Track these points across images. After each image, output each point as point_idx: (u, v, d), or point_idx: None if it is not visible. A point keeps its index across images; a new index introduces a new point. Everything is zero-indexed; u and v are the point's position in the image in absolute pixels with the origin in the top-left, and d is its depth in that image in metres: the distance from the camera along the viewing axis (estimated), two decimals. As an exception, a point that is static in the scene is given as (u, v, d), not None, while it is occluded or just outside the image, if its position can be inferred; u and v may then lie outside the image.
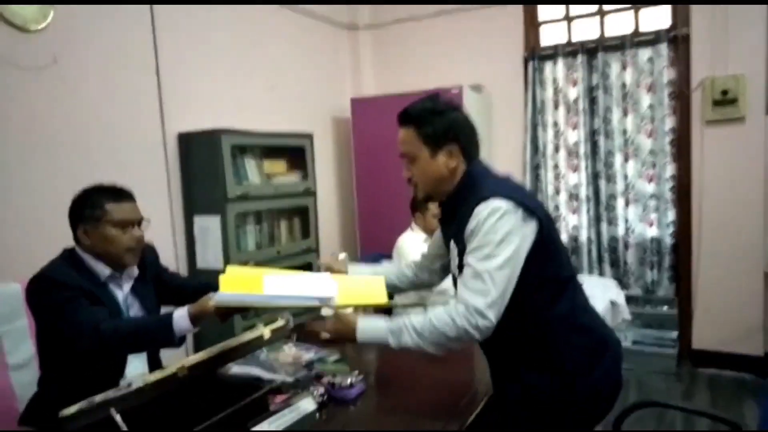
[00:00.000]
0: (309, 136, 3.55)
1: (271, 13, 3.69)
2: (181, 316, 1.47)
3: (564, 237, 4.03)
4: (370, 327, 1.42)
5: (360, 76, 4.51)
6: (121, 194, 1.67)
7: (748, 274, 3.44)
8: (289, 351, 1.97)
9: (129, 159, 2.71)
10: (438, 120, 1.48)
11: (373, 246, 3.99)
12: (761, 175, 3.36)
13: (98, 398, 1.37)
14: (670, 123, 3.62)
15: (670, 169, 3.66)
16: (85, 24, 2.55)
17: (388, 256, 3.46)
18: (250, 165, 3.25)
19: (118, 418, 1.25)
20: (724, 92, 3.31)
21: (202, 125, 3.04)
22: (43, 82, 2.38)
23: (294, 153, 3.52)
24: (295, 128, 3.61)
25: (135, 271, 1.76)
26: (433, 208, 3.19)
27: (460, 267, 1.43)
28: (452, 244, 1.50)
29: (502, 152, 4.12)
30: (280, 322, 1.71)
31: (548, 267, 1.43)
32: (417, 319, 1.37)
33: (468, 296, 1.33)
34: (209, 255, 2.97)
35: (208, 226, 2.98)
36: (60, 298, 1.54)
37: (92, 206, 1.62)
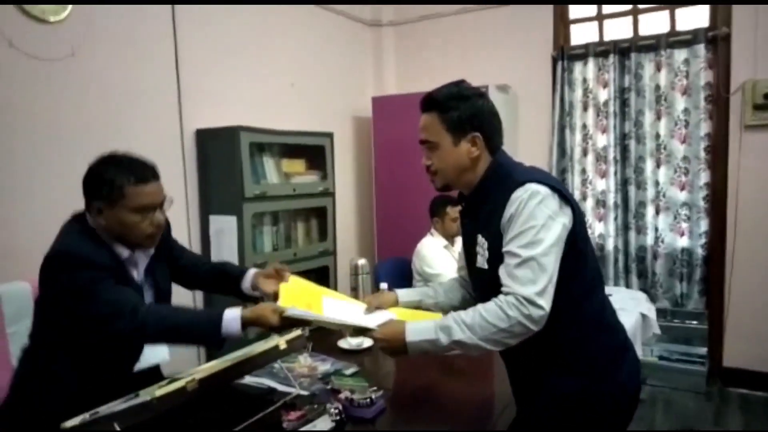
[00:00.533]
0: (329, 135, 3.46)
1: (292, 8, 3.60)
2: (233, 318, 1.36)
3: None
4: (419, 327, 1.33)
5: (382, 74, 4.41)
6: (144, 174, 1.47)
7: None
8: (305, 362, 1.88)
9: (145, 155, 2.62)
10: (463, 106, 1.39)
11: (390, 250, 3.88)
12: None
13: (102, 410, 1.30)
14: (705, 128, 3.46)
15: (704, 177, 3.49)
16: (104, 16, 2.49)
17: (406, 260, 3.36)
18: (269, 164, 3.17)
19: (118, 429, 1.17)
20: (767, 95, 3.14)
21: (221, 122, 2.96)
22: (60, 75, 2.32)
23: (313, 152, 3.43)
24: (314, 127, 3.52)
25: (151, 250, 1.62)
26: (452, 212, 3.09)
27: (491, 261, 1.35)
28: (480, 238, 1.39)
29: (527, 155, 3.91)
30: (296, 332, 1.61)
31: (580, 261, 1.34)
32: (466, 314, 1.28)
33: (517, 286, 1.24)
34: (225, 256, 2.89)
35: (224, 227, 2.90)
36: (90, 276, 1.39)
37: (110, 186, 1.43)
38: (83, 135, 2.41)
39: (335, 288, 3.57)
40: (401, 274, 3.24)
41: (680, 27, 3.56)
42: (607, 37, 3.78)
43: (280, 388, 1.68)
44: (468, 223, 1.49)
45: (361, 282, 2.22)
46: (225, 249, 2.89)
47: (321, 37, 3.88)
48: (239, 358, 1.41)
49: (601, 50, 3.71)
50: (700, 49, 3.41)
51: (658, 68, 3.55)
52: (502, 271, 1.29)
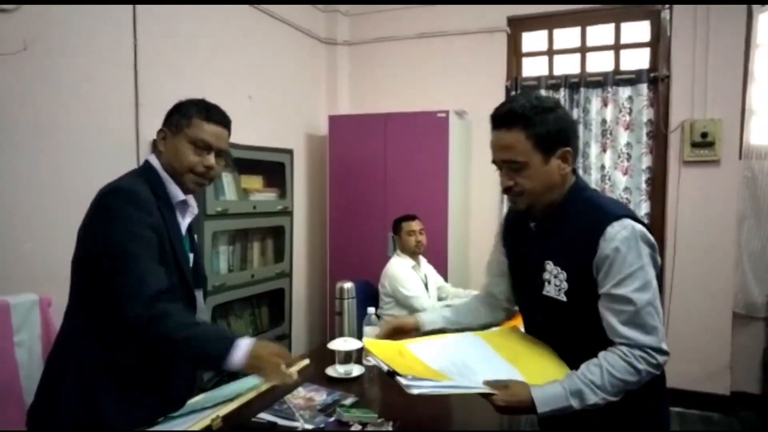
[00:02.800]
0: (289, 152, 3.34)
1: (251, 20, 3.48)
2: (245, 348, 1.23)
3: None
4: (547, 396, 1.19)
5: (336, 93, 4.35)
6: (215, 116, 1.52)
7: (717, 313, 3.52)
8: (298, 393, 1.74)
9: (97, 162, 2.40)
10: (552, 119, 1.27)
11: (343, 272, 3.78)
12: (732, 218, 3.48)
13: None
14: (646, 161, 3.70)
15: (644, 207, 3.72)
16: (61, 9, 2.25)
17: (360, 281, 3.27)
18: (227, 179, 2.99)
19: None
20: (704, 134, 3.42)
21: (179, 132, 2.76)
22: (9, 70, 2.05)
23: (271, 169, 3.29)
24: (270, 143, 3.38)
25: (195, 207, 1.59)
26: (406, 226, 3.10)
27: (571, 293, 1.28)
28: (550, 265, 1.31)
29: (480, 179, 4.07)
30: (304, 362, 1.49)
31: None
32: (593, 374, 1.19)
33: (642, 337, 1.19)
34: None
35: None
36: (132, 217, 1.30)
37: (182, 113, 1.49)
38: (32, 135, 2.14)
39: (290, 312, 3.42)
40: (365, 295, 3.15)
41: (624, 67, 3.81)
42: (557, 71, 3.97)
43: (281, 422, 1.53)
44: (535, 246, 1.38)
45: (347, 306, 2.11)
46: (182, 269, 2.66)
47: (277, 52, 3.76)
48: (255, 392, 1.27)
49: (552, 83, 3.89)
50: (643, 88, 3.66)
51: (605, 103, 3.77)
52: (611, 318, 1.21)
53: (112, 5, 2.48)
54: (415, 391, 1.16)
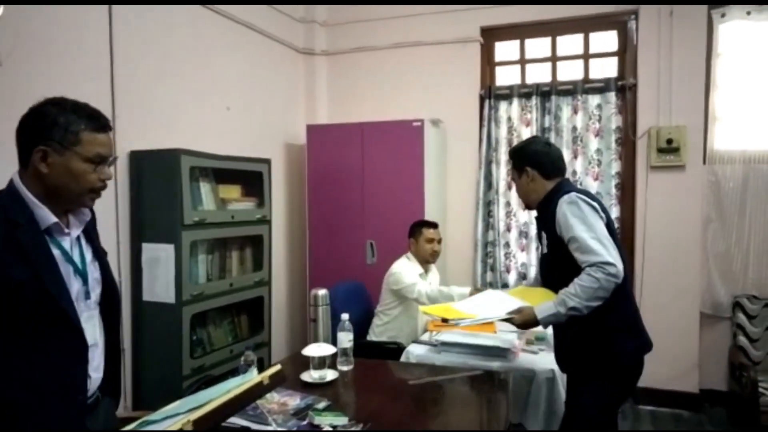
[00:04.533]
0: (267, 162, 3.39)
1: (229, 30, 3.53)
2: None
3: (513, 274, 4.09)
4: (542, 309, 1.87)
5: (314, 103, 4.41)
6: (101, 123, 1.35)
7: (685, 314, 3.63)
8: (272, 398, 1.79)
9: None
10: (518, 156, 2.15)
11: (323, 279, 3.83)
12: (698, 221, 3.60)
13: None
14: (616, 167, 3.81)
15: (615, 211, 3.82)
16: (37, 24, 2.29)
17: (340, 287, 3.32)
18: (205, 189, 3.03)
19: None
20: (669, 141, 3.53)
21: (155, 144, 2.80)
22: (-15, 85, 2.08)
23: (249, 178, 3.33)
24: (248, 152, 3.42)
25: (88, 214, 1.44)
26: (427, 233, 3.12)
27: (550, 247, 2.00)
28: (544, 236, 2.05)
29: (456, 187, 4.16)
30: (275, 368, 1.54)
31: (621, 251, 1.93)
32: (569, 288, 1.82)
33: (591, 257, 1.79)
34: (158, 287, 2.70)
35: (159, 256, 2.71)
36: None
37: (65, 128, 1.28)
38: (9, 150, 2.17)
39: (270, 320, 3.46)
40: (356, 299, 3.22)
41: (593, 75, 3.93)
42: (529, 80, 4.08)
43: (254, 426, 1.59)
44: (538, 226, 2.14)
45: (321, 313, 2.17)
46: (160, 279, 2.70)
47: (256, 62, 3.82)
48: (225, 396, 1.31)
49: (524, 92, 3.99)
50: (611, 96, 3.78)
51: (575, 111, 3.88)
52: (575, 254, 1.84)
53: (88, 16, 2.52)
54: (461, 324, 1.99)
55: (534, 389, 2.29)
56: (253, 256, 3.40)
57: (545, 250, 2.04)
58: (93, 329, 1.41)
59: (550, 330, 2.28)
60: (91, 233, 1.47)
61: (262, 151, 3.66)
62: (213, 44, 3.39)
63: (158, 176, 2.70)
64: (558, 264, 1.94)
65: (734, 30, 3.56)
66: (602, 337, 1.90)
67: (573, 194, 1.90)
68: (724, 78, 3.58)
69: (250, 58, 3.76)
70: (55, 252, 1.33)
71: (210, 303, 2.94)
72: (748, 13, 3.51)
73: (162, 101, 2.98)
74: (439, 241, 3.21)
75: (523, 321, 1.90)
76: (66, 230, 1.37)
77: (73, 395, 1.34)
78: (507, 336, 2.54)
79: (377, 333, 3.13)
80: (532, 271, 4.01)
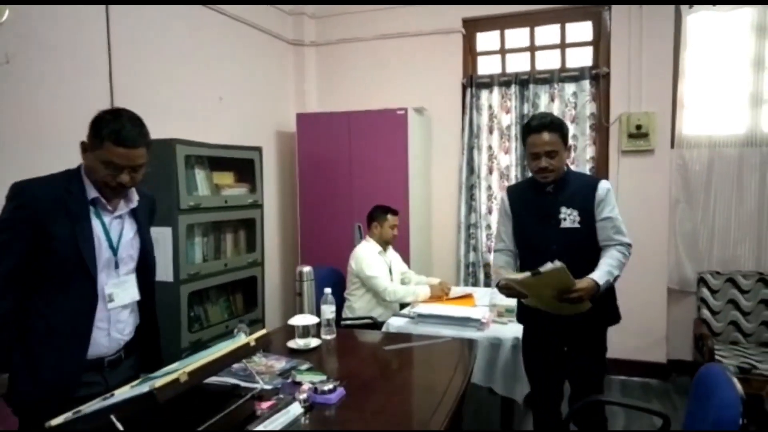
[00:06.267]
0: (258, 149, 3.58)
1: (220, 24, 3.71)
2: None
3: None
4: (599, 276, 2.07)
5: (304, 92, 4.60)
6: (126, 139, 1.60)
7: (654, 289, 3.86)
8: (260, 361, 2.02)
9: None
10: (566, 128, 2.26)
11: (313, 260, 4.05)
12: (666, 201, 3.81)
13: (88, 408, 1.37)
14: (590, 152, 4.02)
15: (590, 194, 4.03)
16: (41, 24, 2.48)
17: (331, 268, 3.55)
18: (200, 176, 3.23)
19: (118, 424, 1.26)
20: (638, 126, 3.74)
21: (152, 134, 2.98)
22: (-6, 83, 2.28)
23: (242, 165, 3.53)
24: (240, 140, 3.62)
25: (134, 200, 1.78)
26: (392, 219, 3.36)
27: (582, 222, 2.19)
28: (564, 209, 2.20)
29: (440, 172, 4.36)
30: (261, 332, 1.76)
31: None
32: (612, 262, 2.12)
33: (623, 238, 2.18)
34: (159, 267, 2.89)
35: (158, 238, 2.89)
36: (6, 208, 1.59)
37: (95, 133, 1.60)
38: (15, 145, 2.37)
39: (263, 298, 3.68)
40: (333, 281, 3.43)
41: (570, 65, 4.11)
42: (509, 69, 4.26)
43: (243, 384, 1.80)
44: (550, 201, 2.23)
45: (306, 288, 2.39)
46: (159, 260, 2.89)
47: (246, 54, 4.00)
48: (217, 353, 1.53)
49: (504, 80, 4.18)
50: (586, 84, 3.97)
51: (552, 99, 4.07)
52: (609, 231, 2.17)
53: (86, 15, 2.71)
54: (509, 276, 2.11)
55: (500, 355, 2.51)
56: (246, 239, 3.61)
57: (572, 225, 2.19)
58: (123, 293, 1.75)
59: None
60: (139, 217, 1.81)
61: (254, 139, 3.86)
62: (206, 38, 3.57)
63: (155, 164, 2.84)
64: (586, 237, 2.19)
65: (701, 21, 3.74)
66: (612, 298, 2.33)
67: (606, 181, 2.26)
68: (691, 67, 3.78)
69: (242, 50, 3.94)
70: (95, 222, 1.68)
71: (206, 282, 3.16)
72: (713, 4, 3.69)
73: (159, 94, 3.17)
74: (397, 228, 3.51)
75: (587, 291, 2.02)
76: (109, 207, 1.70)
77: (70, 347, 1.64)
78: (480, 309, 2.77)
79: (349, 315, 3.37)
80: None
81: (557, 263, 1.93)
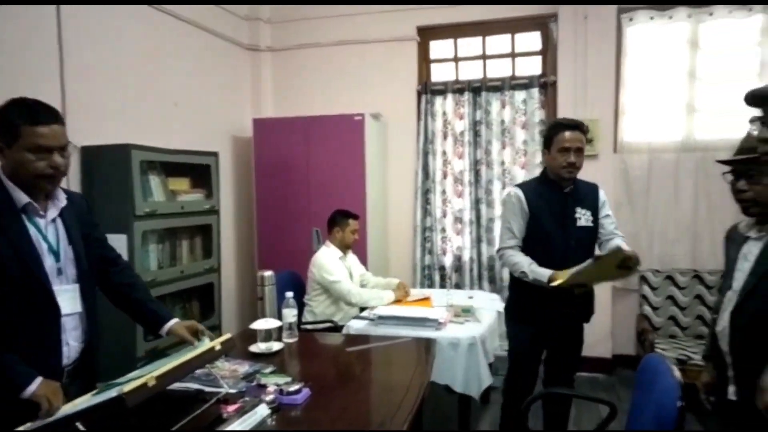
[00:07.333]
0: (214, 155, 3.56)
1: (176, 28, 3.67)
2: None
3: (449, 256, 4.43)
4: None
5: (260, 97, 4.59)
6: (41, 116, 1.50)
7: (600, 288, 4.00)
8: (224, 366, 2.02)
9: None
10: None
11: (272, 264, 4.05)
12: (611, 205, 4.00)
13: (60, 413, 1.36)
14: (539, 157, 4.18)
15: (539, 197, 4.20)
16: (-13, 27, 2.40)
17: (290, 272, 3.56)
18: (156, 182, 3.19)
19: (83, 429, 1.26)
20: (584, 133, 3.92)
21: (106, 139, 2.95)
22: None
23: (197, 171, 3.51)
24: (196, 146, 3.60)
25: (62, 199, 1.64)
26: (353, 224, 3.40)
27: (594, 221, 2.49)
28: (579, 209, 2.47)
29: (396, 176, 4.44)
30: (226, 336, 1.77)
31: None
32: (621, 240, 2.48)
33: (618, 230, 2.54)
34: (113, 273, 2.86)
35: (112, 245, 2.86)
36: None
37: (8, 126, 1.47)
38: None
39: (220, 304, 3.65)
40: (293, 285, 3.44)
41: (520, 73, 4.28)
42: (462, 77, 4.39)
43: (208, 389, 1.81)
44: (568, 201, 2.47)
45: (267, 292, 2.40)
46: (113, 267, 2.86)
47: (203, 59, 3.97)
48: (183, 358, 1.54)
49: (457, 87, 4.31)
50: (535, 92, 4.15)
51: (503, 106, 4.23)
52: (610, 226, 2.51)
53: (37, 18, 2.64)
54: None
55: (458, 354, 2.60)
56: (203, 245, 3.58)
57: (586, 223, 2.46)
58: (70, 302, 1.62)
59: (476, 303, 2.97)
60: (66, 218, 1.66)
61: (210, 144, 3.83)
62: (160, 42, 3.53)
63: (109, 170, 2.86)
64: (594, 235, 2.51)
65: (640, 33, 3.98)
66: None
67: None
68: (632, 77, 4.01)
69: (197, 54, 3.91)
70: (31, 230, 1.56)
71: (162, 289, 3.12)
72: (651, 18, 3.93)
73: (112, 98, 3.12)
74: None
75: (636, 256, 2.24)
76: (41, 212, 1.59)
77: (47, 358, 1.55)
78: (438, 310, 2.86)
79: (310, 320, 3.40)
80: (466, 254, 4.35)
81: (612, 247, 2.33)
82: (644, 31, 3.97)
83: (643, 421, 1.58)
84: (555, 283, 2.26)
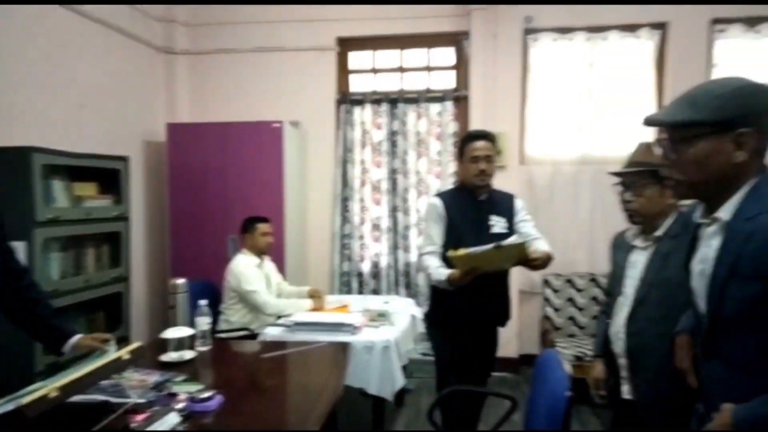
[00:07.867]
0: (124, 159, 3.44)
1: (82, 27, 3.52)
2: None
3: (367, 263, 4.52)
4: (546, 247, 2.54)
5: (175, 102, 4.47)
6: None
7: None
8: (132, 376, 1.97)
9: None
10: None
11: (186, 272, 3.94)
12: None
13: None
14: (453, 167, 4.37)
15: (453, 205, 4.39)
16: None
17: (205, 281, 3.50)
18: (59, 187, 3.04)
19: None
20: (493, 146, 4.15)
21: (4, 142, 2.77)
22: None
23: (105, 176, 3.37)
24: (104, 150, 3.46)
25: None
26: (262, 227, 3.39)
27: (509, 227, 2.59)
28: (493, 217, 2.57)
29: (315, 184, 4.48)
30: (135, 344, 1.74)
31: None
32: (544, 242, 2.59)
33: (538, 232, 2.64)
34: (9, 284, 2.69)
35: (18, 259, 2.70)
36: None
37: None
38: None
39: (128, 315, 3.52)
40: (207, 294, 3.38)
41: (435, 86, 4.46)
42: (380, 88, 4.51)
43: (114, 399, 1.76)
44: (482, 209, 2.58)
45: (179, 300, 2.36)
46: (10, 276, 2.69)
47: (112, 60, 3.82)
48: (89, 368, 1.50)
49: (375, 98, 4.42)
50: (449, 105, 4.34)
51: (419, 117, 4.39)
52: (530, 229, 2.62)
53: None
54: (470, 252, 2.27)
55: (373, 357, 2.68)
56: (110, 253, 3.43)
57: (501, 230, 2.54)
58: None
59: (392, 308, 3.06)
60: None
61: (120, 148, 3.69)
62: (65, 41, 3.37)
63: (7, 174, 2.69)
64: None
65: (543, 52, 4.27)
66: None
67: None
68: (536, 93, 4.29)
69: (106, 55, 3.76)
70: None
71: (64, 300, 2.96)
72: (555, 39, 4.24)
73: (12, 99, 2.94)
74: (273, 234, 3.51)
75: (544, 260, 2.41)
76: None
77: None
78: (354, 315, 2.92)
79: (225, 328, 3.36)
80: (384, 260, 4.46)
81: (517, 239, 2.32)
82: (546, 49, 4.27)
83: (538, 409, 1.73)
84: (451, 254, 2.33)
